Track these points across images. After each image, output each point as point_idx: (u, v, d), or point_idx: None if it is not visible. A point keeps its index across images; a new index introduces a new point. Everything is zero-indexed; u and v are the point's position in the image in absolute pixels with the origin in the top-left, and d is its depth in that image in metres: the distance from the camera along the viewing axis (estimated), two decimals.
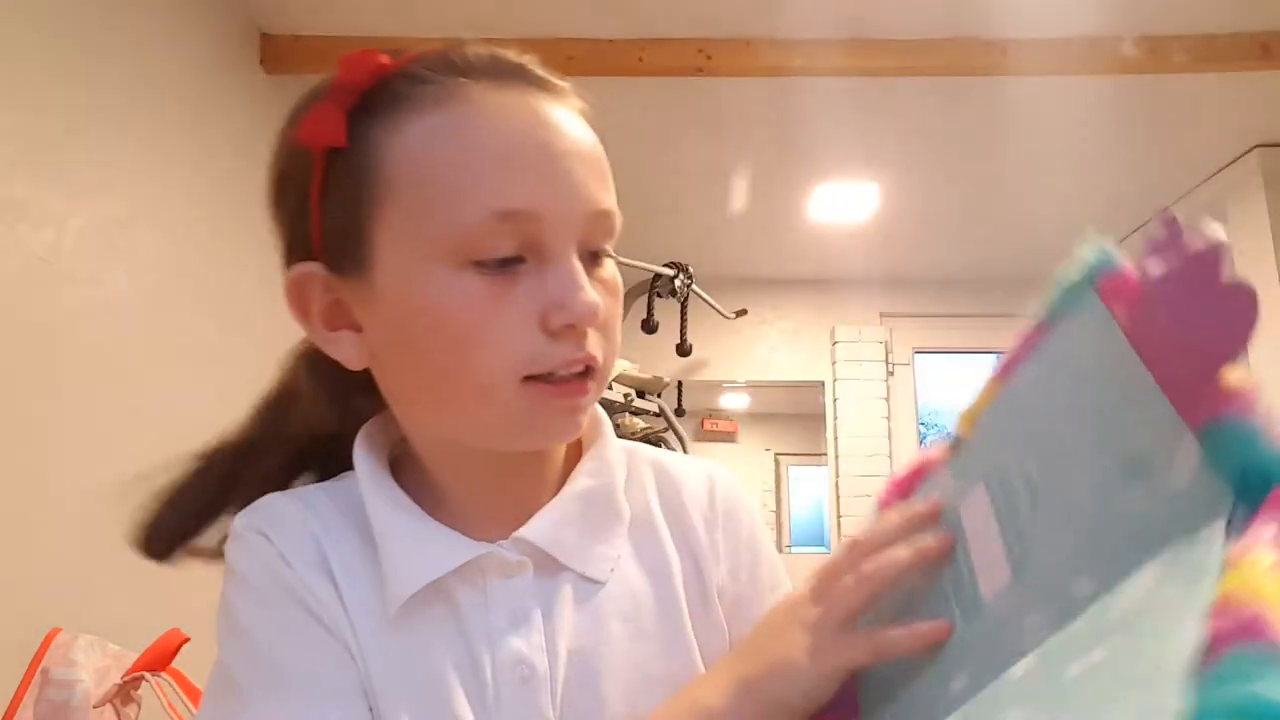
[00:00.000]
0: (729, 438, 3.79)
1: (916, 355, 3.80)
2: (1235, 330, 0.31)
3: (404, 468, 0.57)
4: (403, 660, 0.50)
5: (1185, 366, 0.33)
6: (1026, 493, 0.40)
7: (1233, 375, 0.31)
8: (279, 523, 0.53)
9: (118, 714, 1.23)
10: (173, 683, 1.26)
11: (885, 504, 0.51)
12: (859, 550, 0.47)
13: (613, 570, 0.55)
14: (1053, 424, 0.40)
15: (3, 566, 1.24)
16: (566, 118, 0.50)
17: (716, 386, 3.77)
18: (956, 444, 0.47)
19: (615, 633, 0.53)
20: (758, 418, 3.90)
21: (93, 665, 1.24)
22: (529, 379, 0.48)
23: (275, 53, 2.00)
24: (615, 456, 0.58)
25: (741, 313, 3.49)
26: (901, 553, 0.45)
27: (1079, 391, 0.38)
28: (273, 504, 0.55)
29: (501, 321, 0.47)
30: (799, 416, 3.87)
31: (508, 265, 0.47)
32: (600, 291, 0.49)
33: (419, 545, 0.51)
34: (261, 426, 0.62)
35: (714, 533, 0.59)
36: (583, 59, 2.00)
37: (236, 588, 0.52)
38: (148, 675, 1.25)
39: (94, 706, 1.21)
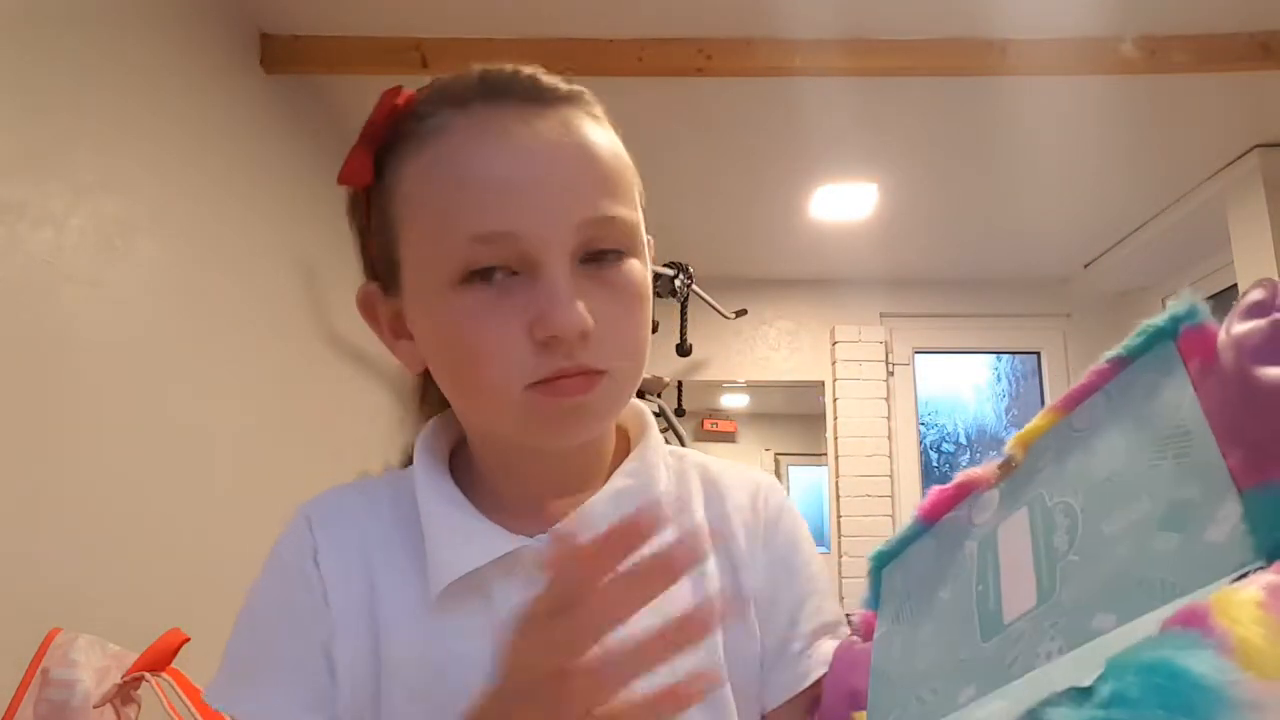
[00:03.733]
0: (729, 438, 3.79)
1: (916, 355, 3.81)
2: None
3: (461, 462, 0.61)
4: (433, 645, 0.53)
5: (1248, 429, 0.34)
6: (1066, 525, 0.40)
7: None
8: (329, 518, 0.58)
9: (118, 714, 1.22)
10: (173, 683, 1.26)
11: (928, 516, 0.51)
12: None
13: None
14: (1106, 462, 0.40)
15: (3, 566, 1.24)
16: (552, 130, 0.51)
17: (716, 386, 3.77)
18: (1007, 465, 0.47)
19: (645, 627, 0.54)
20: (757, 418, 3.90)
21: (93, 665, 1.24)
22: (532, 386, 0.50)
23: (275, 53, 2.00)
24: (657, 458, 0.60)
25: (741, 313, 3.49)
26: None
27: (1139, 435, 0.39)
28: (330, 496, 0.60)
29: (497, 333, 0.50)
30: (799, 416, 3.87)
31: (497, 279, 0.50)
32: (601, 295, 0.51)
33: (461, 537, 0.54)
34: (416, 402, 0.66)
35: (754, 542, 0.60)
36: (583, 59, 2.00)
37: (267, 560, 0.58)
38: (148, 675, 1.25)
39: (94, 706, 1.21)
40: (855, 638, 0.55)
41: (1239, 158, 2.62)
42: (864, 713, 0.47)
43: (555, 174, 0.50)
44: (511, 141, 0.51)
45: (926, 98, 2.30)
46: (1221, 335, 0.37)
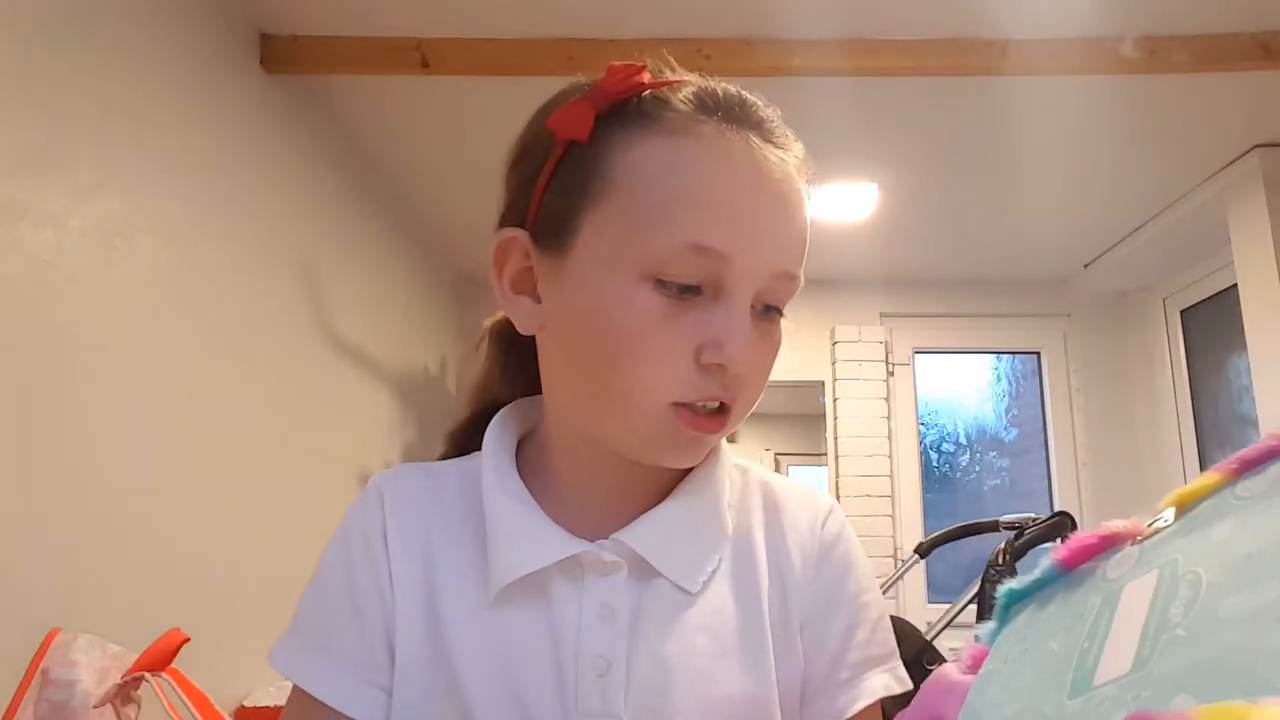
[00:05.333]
0: (729, 437, 3.79)
1: (916, 355, 3.81)
2: None
3: (529, 453, 0.61)
4: (491, 641, 0.54)
5: None
6: (1188, 596, 0.38)
7: None
8: (401, 500, 0.58)
9: (118, 714, 1.22)
10: (173, 683, 1.26)
11: (1066, 563, 0.49)
12: None
13: (705, 583, 0.56)
14: (1254, 538, 0.38)
15: (3, 566, 1.24)
16: (785, 173, 0.52)
17: None
18: (1156, 525, 0.45)
19: (698, 644, 0.55)
20: (757, 417, 3.85)
21: (93, 665, 1.24)
22: (676, 405, 0.51)
23: (275, 53, 2.00)
24: (724, 474, 0.61)
25: None
26: None
27: None
28: (404, 475, 0.60)
29: (663, 342, 0.50)
30: (799, 416, 3.87)
31: (685, 293, 0.50)
32: (760, 345, 0.53)
33: (524, 537, 0.55)
34: (478, 401, 0.66)
35: (808, 565, 0.60)
36: (583, 59, 2.00)
37: (339, 529, 0.59)
38: (148, 675, 1.25)
39: (94, 706, 1.21)
40: (952, 665, 0.55)
41: (1239, 158, 2.62)
42: None
43: (779, 219, 0.52)
44: (759, 169, 0.51)
45: (926, 98, 2.30)
46: None
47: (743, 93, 0.54)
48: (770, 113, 0.54)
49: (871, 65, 2.05)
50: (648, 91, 0.53)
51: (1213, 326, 3.30)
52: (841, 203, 2.96)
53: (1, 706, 1.17)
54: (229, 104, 1.89)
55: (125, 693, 1.24)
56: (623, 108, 0.53)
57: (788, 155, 0.53)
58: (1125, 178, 2.77)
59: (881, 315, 3.78)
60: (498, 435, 0.60)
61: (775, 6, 1.93)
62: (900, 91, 2.26)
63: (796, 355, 3.73)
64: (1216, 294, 3.20)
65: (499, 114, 2.21)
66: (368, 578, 0.56)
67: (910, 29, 2.00)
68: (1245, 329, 2.69)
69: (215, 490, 1.77)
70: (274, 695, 1.82)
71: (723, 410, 0.52)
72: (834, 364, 3.71)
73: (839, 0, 1.92)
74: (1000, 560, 1.88)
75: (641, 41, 2.02)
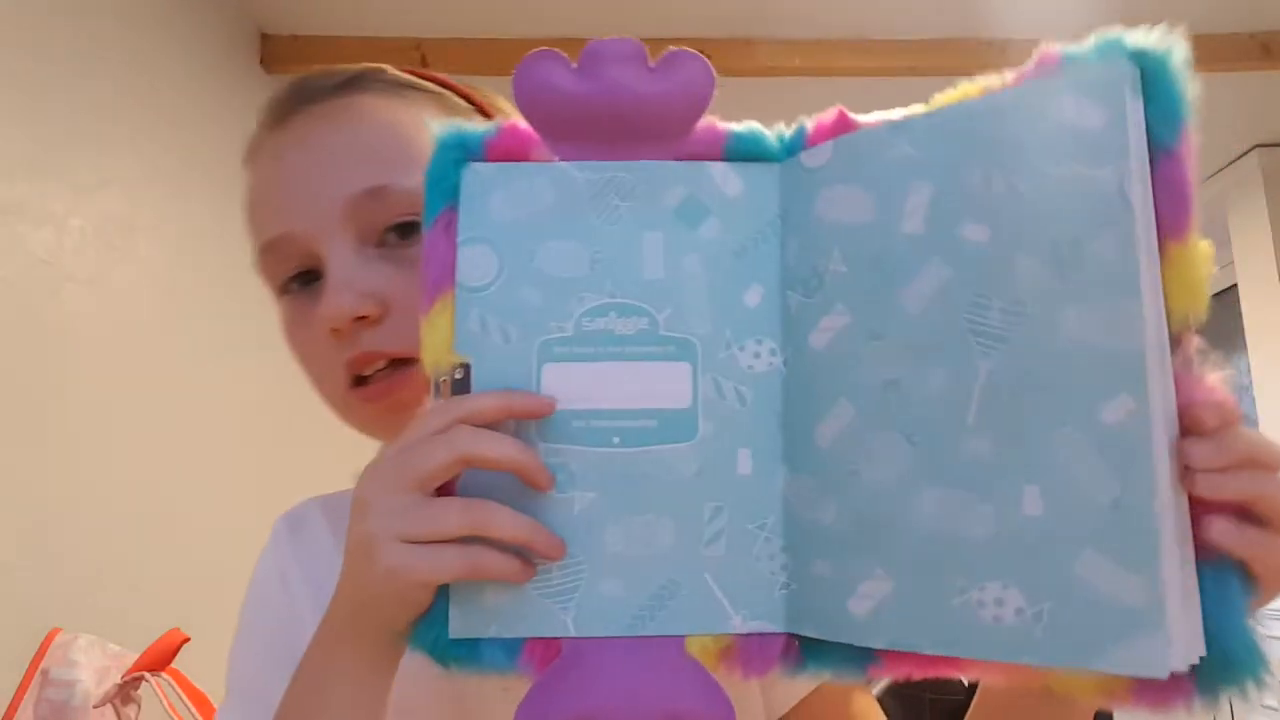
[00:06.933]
0: None
1: None
2: None
3: None
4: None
5: None
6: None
7: None
8: (300, 536, 0.56)
9: (118, 714, 1.22)
10: (173, 683, 1.26)
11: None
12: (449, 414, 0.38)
13: None
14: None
15: (3, 566, 1.24)
16: (312, 125, 0.49)
17: None
18: None
19: None
20: None
21: (93, 665, 1.24)
22: (350, 390, 0.49)
23: (275, 53, 2.00)
24: None
25: None
26: (500, 448, 0.38)
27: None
28: (301, 513, 0.58)
29: (309, 337, 0.49)
30: None
31: (306, 283, 0.49)
32: (403, 276, 0.47)
33: None
34: None
35: None
36: None
37: (250, 584, 0.57)
38: (148, 675, 1.25)
39: (94, 706, 1.21)
40: None
41: (1239, 158, 2.62)
42: None
43: (311, 164, 0.49)
44: (277, 143, 0.50)
45: (926, 98, 2.29)
46: None
47: (289, 83, 0.53)
48: (314, 73, 0.52)
49: (871, 65, 2.05)
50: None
51: (1212, 326, 3.29)
52: None
53: (1, 706, 1.17)
54: (229, 104, 1.89)
55: (125, 693, 1.24)
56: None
57: (327, 99, 0.50)
58: None
59: None
60: None
61: (775, 6, 1.93)
62: (900, 91, 2.25)
63: None
64: (1216, 294, 3.19)
65: None
66: (277, 626, 0.54)
67: (910, 29, 2.00)
68: (1245, 329, 2.69)
69: (216, 490, 1.77)
70: None
71: (397, 364, 0.48)
72: None
73: (839, 0, 1.92)
74: None
75: (641, 41, 2.02)
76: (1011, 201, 0.35)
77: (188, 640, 1.29)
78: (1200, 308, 0.34)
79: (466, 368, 0.39)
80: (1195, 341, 0.34)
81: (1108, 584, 0.31)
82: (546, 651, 0.38)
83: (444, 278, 0.40)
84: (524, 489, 0.38)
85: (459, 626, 0.38)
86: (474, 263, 0.40)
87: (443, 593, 0.38)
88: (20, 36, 1.31)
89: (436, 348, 0.40)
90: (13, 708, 1.17)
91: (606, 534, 0.38)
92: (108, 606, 1.42)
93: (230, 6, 1.89)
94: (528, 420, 0.39)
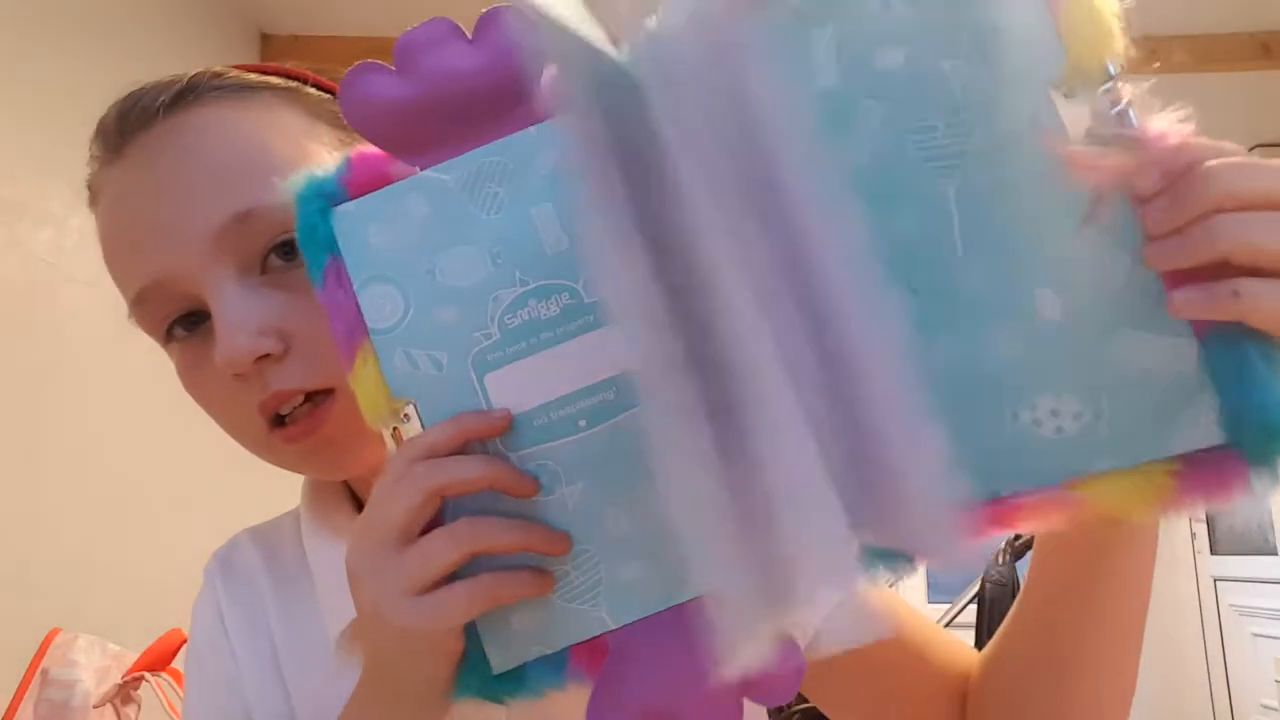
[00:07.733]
0: None
1: None
2: None
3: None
4: (339, 686, 0.45)
5: None
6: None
7: None
8: (232, 575, 0.54)
9: (118, 714, 1.23)
10: (173, 683, 1.26)
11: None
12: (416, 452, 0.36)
13: None
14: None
15: (3, 566, 1.24)
16: (152, 152, 0.45)
17: None
18: None
19: None
20: None
21: (93, 665, 1.24)
22: (270, 431, 0.45)
23: (275, 53, 2.00)
24: None
25: None
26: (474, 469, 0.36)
27: None
28: (233, 550, 0.55)
29: (210, 383, 0.46)
30: None
31: (192, 326, 0.45)
32: (299, 302, 0.42)
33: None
34: None
35: None
36: None
37: (192, 631, 0.55)
38: (148, 675, 1.25)
39: (94, 706, 1.21)
40: None
41: None
42: None
43: (163, 197, 0.44)
44: (118, 187, 0.46)
45: None
46: None
47: (119, 106, 0.48)
48: (132, 97, 0.47)
49: None
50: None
51: None
52: None
53: (1, 706, 1.17)
54: None
55: (125, 693, 1.24)
56: None
57: (157, 122, 0.45)
58: None
59: None
60: (314, 481, 0.54)
61: None
62: None
63: None
64: None
65: None
66: (216, 667, 0.52)
67: None
68: None
69: (216, 490, 1.77)
70: None
71: (314, 399, 0.44)
72: None
73: None
74: (1000, 559, 1.88)
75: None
76: (914, 11, 0.33)
77: (188, 640, 1.29)
78: (1117, 49, 0.33)
79: (412, 408, 0.38)
80: (1127, 90, 0.33)
81: (1154, 357, 0.30)
82: (592, 654, 0.37)
83: (354, 329, 0.38)
84: (516, 503, 0.37)
85: (500, 659, 0.37)
86: (378, 304, 0.38)
87: (472, 633, 0.36)
88: (20, 36, 1.31)
89: (373, 401, 0.37)
90: (13, 708, 1.17)
91: (607, 519, 0.37)
92: (108, 606, 1.42)
93: (230, 6, 1.89)
94: (491, 437, 0.37)
